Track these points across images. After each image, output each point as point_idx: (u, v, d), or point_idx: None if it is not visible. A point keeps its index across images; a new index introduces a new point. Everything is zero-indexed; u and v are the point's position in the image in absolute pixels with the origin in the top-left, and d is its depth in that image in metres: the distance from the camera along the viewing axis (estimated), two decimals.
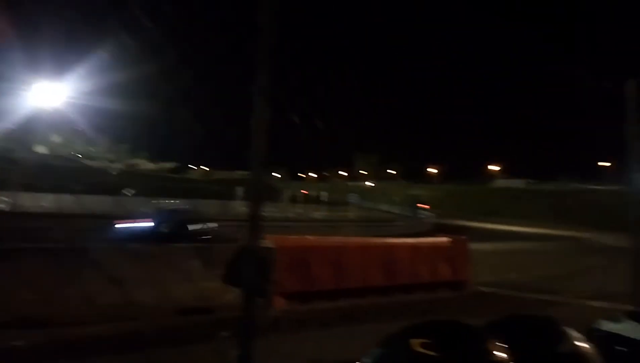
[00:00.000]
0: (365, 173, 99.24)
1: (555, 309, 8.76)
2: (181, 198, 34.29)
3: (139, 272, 7.19)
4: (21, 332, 5.63)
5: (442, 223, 39.70)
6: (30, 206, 26.15)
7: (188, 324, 6.76)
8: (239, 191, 32.90)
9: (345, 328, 6.98)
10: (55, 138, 68.80)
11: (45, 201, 28.54)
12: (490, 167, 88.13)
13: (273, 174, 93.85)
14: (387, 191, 76.69)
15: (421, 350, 1.47)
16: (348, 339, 5.52)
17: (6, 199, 25.91)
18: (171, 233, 13.23)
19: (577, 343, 1.83)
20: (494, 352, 1.53)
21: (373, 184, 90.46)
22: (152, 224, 13.94)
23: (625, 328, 2.56)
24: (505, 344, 1.59)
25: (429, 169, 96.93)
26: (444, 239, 11.43)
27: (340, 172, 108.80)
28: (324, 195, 48.54)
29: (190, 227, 14.32)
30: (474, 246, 12.46)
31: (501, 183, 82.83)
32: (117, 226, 14.15)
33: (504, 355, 1.55)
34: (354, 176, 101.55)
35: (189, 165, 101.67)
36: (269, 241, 7.83)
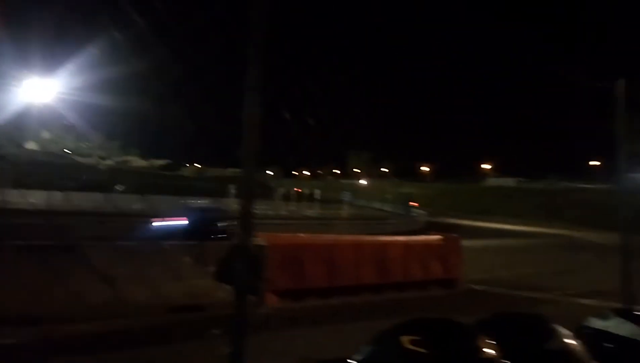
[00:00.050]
0: (358, 171, 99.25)
1: (545, 306, 8.85)
2: (173, 195, 34.41)
3: (131, 270, 7.16)
4: (12, 329, 5.59)
5: (434, 221, 39.83)
6: (18, 202, 25.90)
7: (179, 322, 6.73)
8: (232, 188, 32.82)
9: (337, 326, 6.99)
10: (46, 134, 67.98)
11: (34, 198, 28.30)
12: (482, 166, 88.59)
13: (266, 172, 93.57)
14: (379, 189, 76.77)
15: (411, 347, 1.48)
16: (340, 337, 5.52)
17: None
18: (204, 230, 13.75)
19: (566, 340, 1.85)
20: (484, 349, 1.55)
21: (366, 182, 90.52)
22: (186, 222, 14.75)
23: (614, 326, 2.60)
24: (495, 341, 1.61)
25: (421, 168, 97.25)
26: (436, 237, 11.47)
27: (333, 170, 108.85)
28: (317, 193, 48.50)
29: (219, 225, 14.76)
30: (466, 244, 12.54)
31: (493, 181, 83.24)
32: (154, 224, 14.97)
33: (494, 352, 1.56)
34: (347, 174, 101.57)
35: (182, 162, 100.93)
36: (261, 239, 7.82)
